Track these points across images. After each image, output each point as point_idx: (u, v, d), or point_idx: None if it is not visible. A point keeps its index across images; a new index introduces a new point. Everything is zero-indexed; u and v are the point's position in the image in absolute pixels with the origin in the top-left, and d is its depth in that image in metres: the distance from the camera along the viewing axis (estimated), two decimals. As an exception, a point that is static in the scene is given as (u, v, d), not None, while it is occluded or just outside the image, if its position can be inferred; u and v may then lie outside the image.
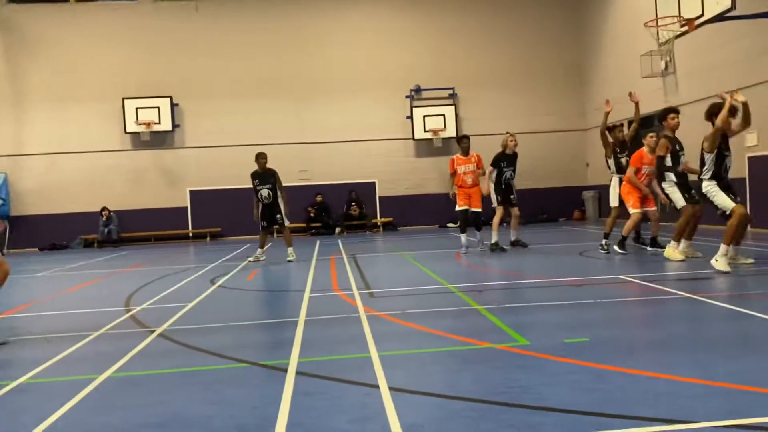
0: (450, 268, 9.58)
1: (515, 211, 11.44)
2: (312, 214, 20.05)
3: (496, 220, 11.29)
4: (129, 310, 6.90)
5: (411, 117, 20.56)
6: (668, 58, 15.39)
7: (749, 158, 13.10)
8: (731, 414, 2.98)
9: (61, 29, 19.85)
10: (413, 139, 20.62)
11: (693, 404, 3.17)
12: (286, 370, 4.11)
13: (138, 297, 7.90)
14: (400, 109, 20.75)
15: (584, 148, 21.22)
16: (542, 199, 20.32)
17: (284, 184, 11.81)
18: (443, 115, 20.54)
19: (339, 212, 20.22)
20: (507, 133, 11.49)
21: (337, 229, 19.75)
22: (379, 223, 20.36)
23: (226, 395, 3.73)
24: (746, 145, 12.91)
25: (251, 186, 11.70)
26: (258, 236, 11.99)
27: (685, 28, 12.46)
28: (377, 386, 3.69)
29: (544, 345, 4.45)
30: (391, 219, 20.59)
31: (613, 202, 10.26)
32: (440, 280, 8.15)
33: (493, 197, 11.33)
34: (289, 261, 11.30)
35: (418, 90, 20.78)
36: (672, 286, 6.70)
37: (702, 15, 11.69)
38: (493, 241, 11.13)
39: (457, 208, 11.04)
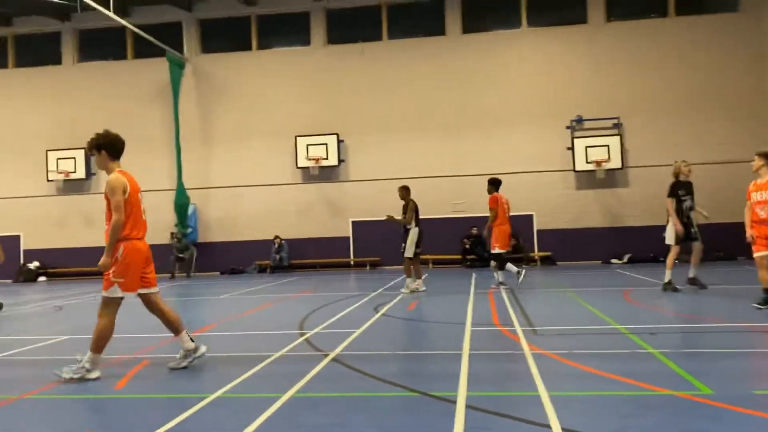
0: (617, 308, 9.15)
1: (697, 246, 10.47)
2: (467, 246, 20.11)
3: (670, 257, 10.51)
4: (303, 334, 7.40)
5: (572, 148, 20.04)
6: None
7: None
8: None
9: (243, 74, 21.98)
10: (574, 170, 20.05)
11: None
12: (455, 402, 4.21)
13: (310, 321, 8.45)
14: (559, 140, 20.32)
15: None
16: (719, 235, 18.66)
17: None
18: (607, 146, 19.78)
19: (496, 245, 20.06)
20: (682, 161, 10.80)
21: (493, 263, 19.55)
22: (536, 257, 19.91)
23: (400, 422, 3.90)
24: None
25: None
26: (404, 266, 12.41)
27: None
28: (549, 426, 3.67)
29: (731, 395, 4.14)
30: (549, 253, 20.05)
31: None
32: (608, 319, 7.83)
33: (669, 233, 10.49)
34: (404, 293, 11.65)
35: (579, 120, 20.24)
36: None
37: None
38: (665, 280, 10.47)
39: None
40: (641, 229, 19.18)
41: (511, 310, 8.84)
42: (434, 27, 21.38)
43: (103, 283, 5.44)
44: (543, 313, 8.95)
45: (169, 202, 21.15)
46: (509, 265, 11.87)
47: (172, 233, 21.13)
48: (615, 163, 19.69)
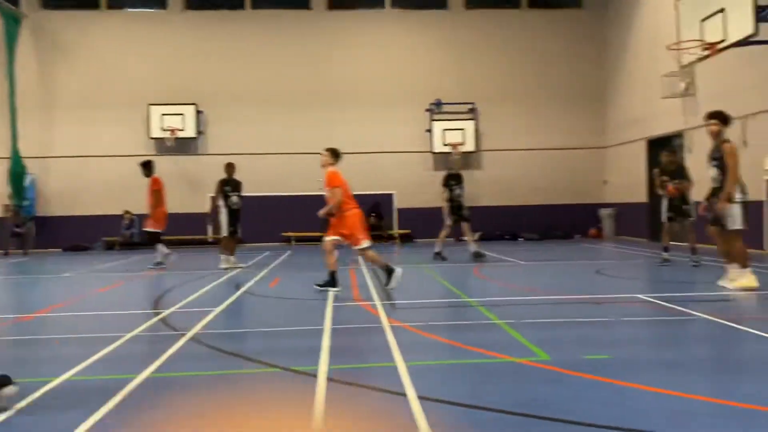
0: (468, 282, 9.73)
1: (464, 225, 13.27)
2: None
3: (442, 233, 13.09)
4: (158, 313, 7.10)
5: (430, 130, 20.77)
6: (689, 80, 15.46)
7: (767, 181, 13.13)
8: (749, 433, 3.11)
9: (90, 35, 20.30)
10: (432, 152, 20.80)
11: (713, 423, 3.30)
12: (316, 376, 4.28)
13: (166, 300, 8.12)
14: (419, 122, 20.95)
15: (602, 166, 21.25)
16: (557, 215, 20.39)
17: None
18: (463, 129, 20.73)
19: (357, 222, 20.38)
20: (456, 154, 13.39)
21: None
22: (396, 235, 20.52)
23: (262, 397, 3.90)
24: (765, 168, 12.95)
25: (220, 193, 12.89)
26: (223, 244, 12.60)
27: (707, 53, 12.55)
28: (405, 394, 3.85)
29: (565, 360, 4.59)
30: (409, 231, 20.74)
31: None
32: (460, 293, 8.30)
33: (445, 215, 13.02)
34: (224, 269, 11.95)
35: (438, 104, 20.98)
36: (691, 308, 6.79)
37: (724, 40, 11.79)
38: (436, 251, 13.02)
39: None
40: (492, 209, 20.38)
41: (371, 286, 9.08)
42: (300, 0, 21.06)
43: None
44: (401, 288, 9.28)
45: (2, 171, 19.16)
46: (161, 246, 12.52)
47: (6, 206, 19.21)
48: (470, 146, 20.70)
